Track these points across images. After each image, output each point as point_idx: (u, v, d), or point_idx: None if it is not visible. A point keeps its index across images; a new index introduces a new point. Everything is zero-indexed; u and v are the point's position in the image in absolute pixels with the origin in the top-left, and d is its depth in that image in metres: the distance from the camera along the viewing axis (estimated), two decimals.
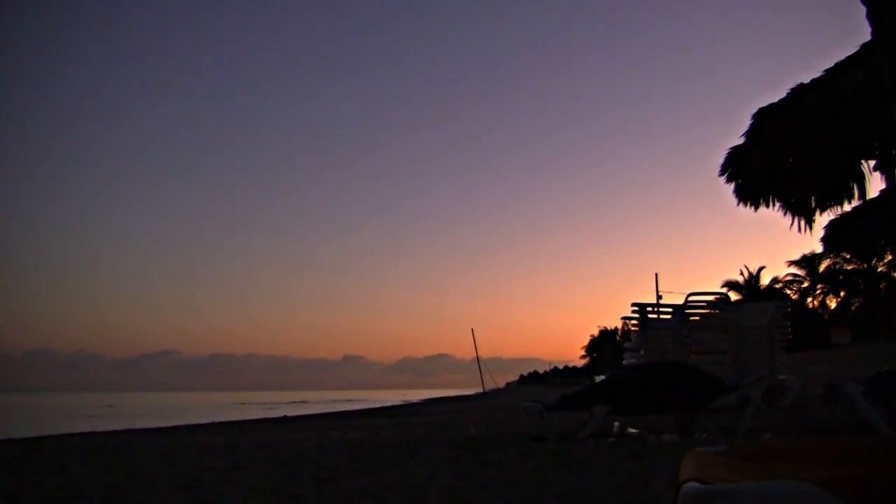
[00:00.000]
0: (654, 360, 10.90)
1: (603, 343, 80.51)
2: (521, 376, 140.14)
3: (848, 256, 38.69)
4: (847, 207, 9.36)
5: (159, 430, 14.22)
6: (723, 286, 47.34)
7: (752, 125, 8.91)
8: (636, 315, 11.98)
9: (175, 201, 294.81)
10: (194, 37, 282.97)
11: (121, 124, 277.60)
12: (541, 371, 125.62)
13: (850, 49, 7.83)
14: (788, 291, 48.40)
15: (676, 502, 1.52)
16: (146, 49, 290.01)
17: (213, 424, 16.81)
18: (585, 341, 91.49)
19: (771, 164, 8.80)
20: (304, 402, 53.38)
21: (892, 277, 40.02)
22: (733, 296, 44.61)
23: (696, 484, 1.52)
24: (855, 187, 9.21)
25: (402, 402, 40.44)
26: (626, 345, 13.24)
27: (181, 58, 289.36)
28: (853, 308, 44.66)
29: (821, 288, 48.05)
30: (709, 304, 12.33)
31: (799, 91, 8.37)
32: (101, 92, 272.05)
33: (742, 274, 49.19)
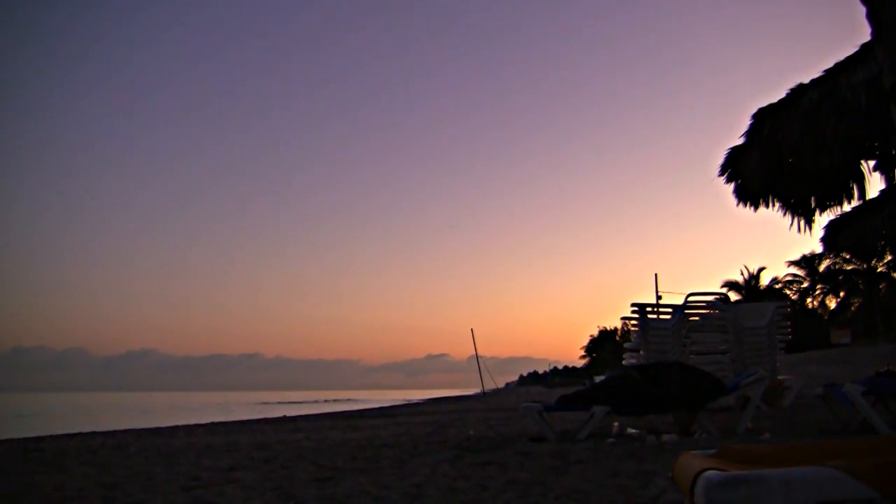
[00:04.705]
0: (653, 360, 10.89)
1: (603, 343, 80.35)
2: (521, 376, 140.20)
3: (848, 256, 38.70)
4: (847, 207, 9.37)
5: (159, 430, 14.21)
6: (722, 286, 47.36)
7: (751, 125, 8.91)
8: (636, 315, 11.96)
9: (171, 201, 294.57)
10: (190, 36, 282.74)
11: (113, 122, 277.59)
12: (541, 371, 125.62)
13: (850, 49, 7.84)
14: (788, 292, 48.38)
15: (695, 491, 1.50)
16: (143, 47, 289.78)
17: (212, 424, 16.80)
18: (585, 341, 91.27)
19: (771, 164, 8.80)
20: (302, 402, 53.37)
21: (892, 277, 40.00)
22: (733, 296, 44.62)
23: (717, 471, 1.51)
24: (855, 187, 9.21)
25: (401, 402, 40.41)
26: (626, 345, 13.20)
27: (177, 56, 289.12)
28: (853, 308, 44.63)
29: (820, 288, 48.02)
30: (708, 305, 12.31)
31: (799, 91, 8.36)
32: (92, 91, 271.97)
33: (742, 274, 49.19)
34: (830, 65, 8.06)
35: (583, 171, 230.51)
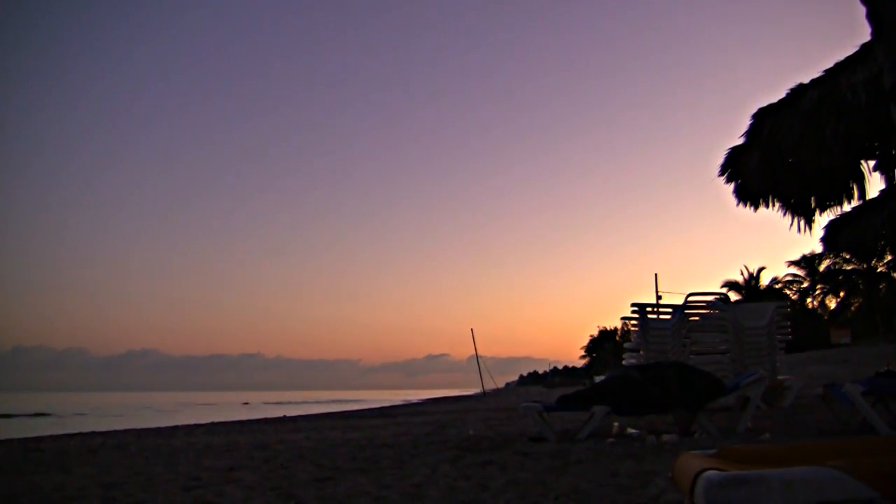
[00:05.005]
0: (653, 360, 10.89)
1: (603, 343, 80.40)
2: (521, 376, 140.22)
3: (848, 256, 38.73)
4: (847, 207, 9.38)
5: (159, 430, 14.22)
6: (722, 286, 47.42)
7: (752, 125, 8.92)
8: (636, 315, 11.96)
9: (171, 200, 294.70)
10: (186, 34, 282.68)
11: (112, 121, 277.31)
12: (541, 371, 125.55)
13: (850, 49, 7.85)
14: (788, 292, 48.43)
15: (695, 491, 1.50)
16: (136, 46, 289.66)
17: (212, 424, 16.80)
18: (585, 341, 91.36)
19: (771, 164, 8.81)
20: (302, 402, 53.40)
21: (892, 277, 40.04)
22: (733, 296, 44.64)
23: (717, 471, 1.51)
24: (855, 187, 9.22)
25: (401, 402, 40.41)
26: (626, 345, 13.20)
27: (170, 55, 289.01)
28: (853, 308, 44.66)
29: (820, 288, 48.05)
30: (708, 305, 12.30)
31: (799, 91, 8.37)
32: (87, 90, 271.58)
33: (742, 274, 49.26)
34: (830, 65, 8.07)
35: (583, 171, 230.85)
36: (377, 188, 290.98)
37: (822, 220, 9.56)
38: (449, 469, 5.13)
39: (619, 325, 71.30)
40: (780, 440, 6.05)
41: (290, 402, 50.44)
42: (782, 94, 8.56)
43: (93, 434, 12.92)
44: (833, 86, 7.88)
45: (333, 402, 52.06)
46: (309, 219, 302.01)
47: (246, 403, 47.41)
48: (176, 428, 14.90)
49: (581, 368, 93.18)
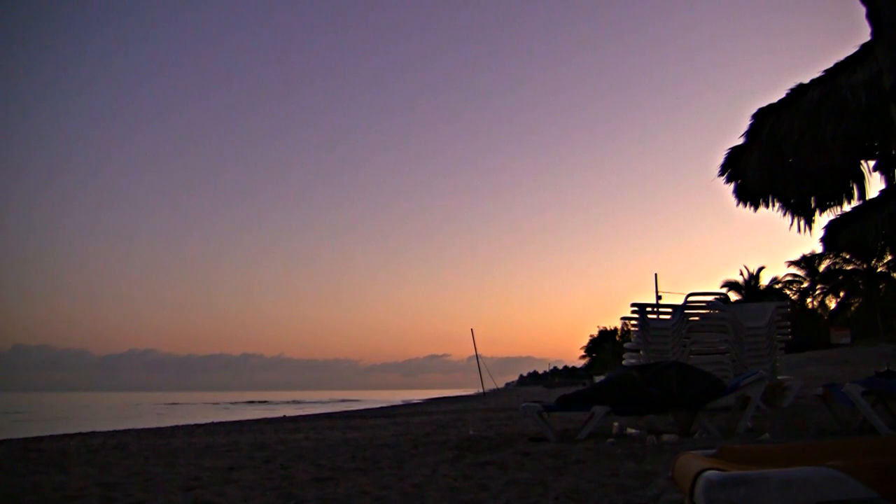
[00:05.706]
0: (653, 360, 10.88)
1: (603, 343, 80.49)
2: (521, 376, 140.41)
3: (848, 256, 38.77)
4: (847, 207, 9.38)
5: (159, 430, 14.22)
6: (722, 286, 47.57)
7: (752, 125, 8.92)
8: (636, 315, 11.95)
9: (171, 200, 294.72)
10: (182, 31, 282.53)
11: (112, 119, 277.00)
12: (540, 371, 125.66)
13: (850, 49, 7.86)
14: (788, 292, 48.53)
15: (695, 491, 1.50)
16: (132, 43, 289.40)
17: (212, 424, 16.80)
18: (585, 341, 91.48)
19: (771, 164, 8.81)
20: (301, 402, 53.39)
21: (892, 277, 40.07)
22: (733, 296, 44.73)
23: (717, 471, 1.51)
24: (855, 187, 9.23)
25: (401, 402, 40.42)
26: (626, 345, 13.19)
27: (165, 53, 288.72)
28: (853, 308, 44.72)
29: (820, 288, 48.13)
30: (708, 305, 12.30)
31: (799, 91, 8.38)
32: (84, 88, 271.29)
33: (742, 274, 49.39)
34: (830, 65, 8.08)
35: (583, 171, 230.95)
36: (377, 188, 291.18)
37: (822, 220, 9.58)
38: (449, 469, 5.13)
39: (619, 325, 71.41)
40: (780, 440, 6.05)
41: (290, 402, 50.43)
42: (782, 94, 8.57)
43: (93, 434, 12.92)
44: (833, 86, 7.89)
45: (333, 402, 52.08)
46: (309, 219, 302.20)
47: (256, 402, 47.38)
48: (176, 428, 14.91)
49: (581, 368, 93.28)
